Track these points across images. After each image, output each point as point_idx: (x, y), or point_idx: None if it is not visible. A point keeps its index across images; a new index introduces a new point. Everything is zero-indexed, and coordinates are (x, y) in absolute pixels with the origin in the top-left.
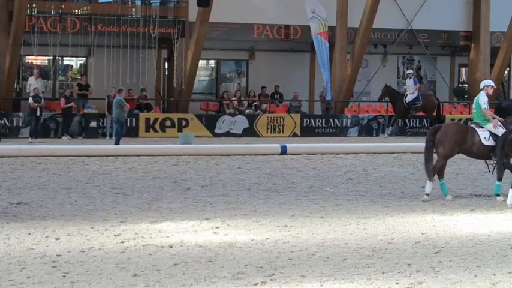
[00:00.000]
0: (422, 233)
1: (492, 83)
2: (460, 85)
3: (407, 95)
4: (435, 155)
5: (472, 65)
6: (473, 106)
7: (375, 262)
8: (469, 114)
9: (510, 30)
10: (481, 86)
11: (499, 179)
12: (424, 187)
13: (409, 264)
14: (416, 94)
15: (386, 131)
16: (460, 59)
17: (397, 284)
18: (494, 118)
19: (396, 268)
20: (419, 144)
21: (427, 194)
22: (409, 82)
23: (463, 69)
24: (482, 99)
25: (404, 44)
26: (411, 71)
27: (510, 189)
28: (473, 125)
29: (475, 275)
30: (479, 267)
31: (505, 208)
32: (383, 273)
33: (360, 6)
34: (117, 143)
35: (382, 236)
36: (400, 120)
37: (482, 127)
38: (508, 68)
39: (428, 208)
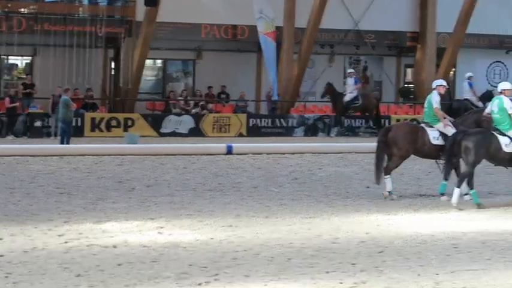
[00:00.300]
0: (366, 233)
1: (444, 83)
2: (406, 85)
3: (346, 94)
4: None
5: (418, 66)
6: (425, 105)
7: (319, 262)
8: (415, 114)
9: (456, 31)
10: (434, 85)
11: (446, 178)
12: (368, 187)
13: (353, 264)
14: (355, 94)
15: (332, 131)
16: (406, 59)
17: (341, 283)
18: (445, 118)
19: (340, 267)
20: (364, 144)
21: (390, 192)
22: (350, 81)
23: (409, 70)
24: (434, 98)
25: (351, 45)
26: (352, 70)
27: (455, 189)
28: (423, 125)
29: (418, 274)
30: (423, 267)
31: (449, 208)
32: (327, 272)
33: (307, 7)
34: (62, 142)
35: (326, 236)
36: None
37: (432, 126)
38: (454, 69)
39: (373, 208)
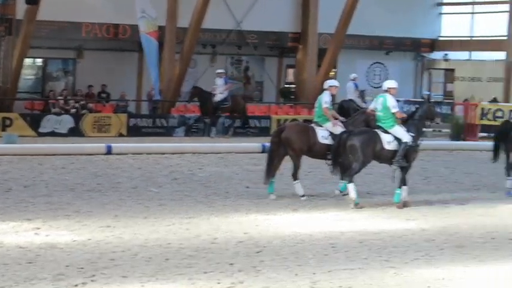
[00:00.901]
0: (245, 233)
1: (336, 83)
2: (287, 86)
3: (215, 94)
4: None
5: (299, 66)
6: (316, 105)
7: (198, 262)
8: (295, 114)
9: (337, 32)
10: (326, 85)
11: (341, 178)
12: (248, 187)
13: (231, 264)
14: (225, 94)
15: (212, 132)
16: (287, 60)
17: (219, 283)
18: (336, 118)
19: (218, 268)
20: (244, 144)
21: (302, 196)
22: (219, 82)
23: (290, 70)
24: (324, 98)
25: (233, 45)
26: (221, 70)
27: (349, 184)
28: (313, 124)
29: (296, 274)
30: (300, 266)
31: (327, 208)
32: (205, 273)
33: (189, 7)
34: None
35: (205, 236)
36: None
37: (322, 126)
38: (335, 69)
39: (252, 208)
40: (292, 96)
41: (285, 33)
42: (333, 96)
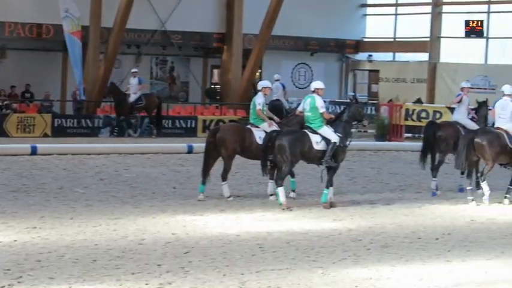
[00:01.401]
0: (172, 233)
1: (269, 84)
2: (212, 86)
3: (130, 94)
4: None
5: (225, 67)
6: (251, 107)
7: (125, 263)
8: (221, 115)
9: (262, 33)
10: (259, 87)
11: (270, 178)
12: (174, 188)
13: (159, 265)
14: (139, 94)
15: (136, 132)
16: (213, 60)
17: (147, 284)
18: (271, 118)
19: (146, 269)
20: (170, 145)
21: (229, 197)
22: (133, 81)
23: (215, 71)
24: (258, 100)
25: (158, 45)
26: (136, 69)
27: (278, 188)
28: (249, 126)
29: (224, 275)
30: (228, 267)
31: (254, 208)
32: (133, 274)
33: (114, 6)
34: None
35: (132, 237)
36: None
37: (258, 127)
38: (260, 70)
39: (179, 209)
40: (218, 97)
41: (209, 34)
42: (266, 97)
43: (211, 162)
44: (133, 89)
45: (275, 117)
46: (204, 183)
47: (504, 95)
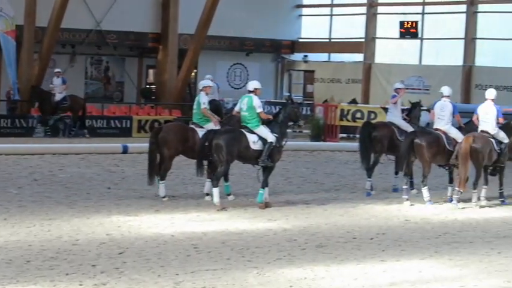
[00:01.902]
0: (107, 234)
1: (211, 83)
2: (148, 86)
3: (55, 94)
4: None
5: (160, 67)
6: (194, 106)
7: (59, 264)
8: (156, 115)
9: (197, 33)
10: (200, 86)
11: (208, 177)
12: (109, 188)
13: (93, 266)
14: (64, 94)
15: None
16: (148, 60)
17: (81, 285)
18: (214, 117)
19: (80, 269)
20: (105, 145)
21: (164, 197)
22: (56, 81)
23: (151, 71)
24: (202, 99)
25: (93, 45)
26: (59, 70)
27: (213, 189)
28: (192, 125)
29: (159, 275)
30: (163, 267)
31: (189, 208)
32: (67, 274)
33: (48, 6)
34: None
35: (66, 238)
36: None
37: (202, 127)
38: (195, 70)
39: (114, 209)
40: (153, 97)
41: (145, 34)
42: (208, 95)
43: (156, 162)
44: (58, 89)
45: (217, 117)
46: (152, 184)
47: (443, 96)
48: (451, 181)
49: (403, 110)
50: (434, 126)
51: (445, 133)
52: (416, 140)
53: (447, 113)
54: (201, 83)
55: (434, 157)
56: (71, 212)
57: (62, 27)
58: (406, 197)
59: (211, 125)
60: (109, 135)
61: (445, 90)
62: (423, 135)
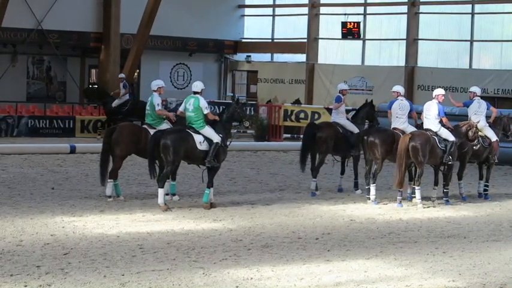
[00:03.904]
0: (51, 235)
1: (163, 83)
2: (90, 86)
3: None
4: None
5: (102, 67)
6: (147, 108)
7: (3, 265)
8: (100, 115)
9: (140, 33)
10: (154, 87)
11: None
12: (53, 188)
13: (38, 266)
14: (126, 98)
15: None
16: (90, 60)
17: (26, 286)
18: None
19: (25, 270)
20: (51, 145)
21: (109, 196)
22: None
23: (93, 71)
24: (156, 100)
25: (35, 44)
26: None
27: (159, 189)
28: (145, 126)
29: (104, 276)
30: (109, 268)
31: (134, 209)
32: (11, 275)
33: None
34: None
35: (10, 238)
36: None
37: (155, 128)
38: (138, 70)
39: (58, 210)
40: (96, 97)
41: (87, 33)
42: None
43: (109, 162)
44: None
45: (172, 115)
46: (105, 185)
47: (399, 95)
48: (436, 183)
49: (347, 111)
50: (392, 126)
51: (403, 132)
52: (370, 138)
53: (405, 112)
54: (154, 84)
55: (388, 155)
56: (14, 213)
57: (3, 26)
58: (369, 196)
59: (165, 126)
60: (52, 135)
61: (401, 89)
62: (377, 133)
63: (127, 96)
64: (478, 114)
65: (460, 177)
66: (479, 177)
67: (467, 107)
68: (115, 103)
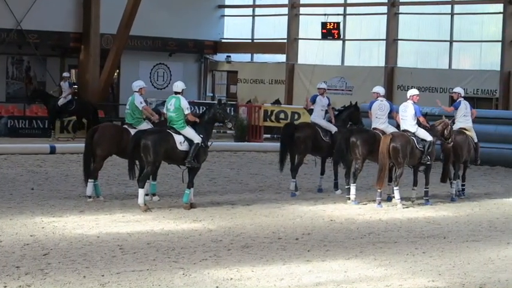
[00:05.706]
0: (31, 235)
1: (144, 84)
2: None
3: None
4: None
5: (82, 67)
6: (128, 107)
7: None
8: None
9: (119, 33)
10: (135, 88)
11: (153, 179)
12: (32, 189)
13: (17, 267)
14: (69, 98)
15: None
16: (70, 60)
17: (5, 287)
18: (154, 115)
19: (4, 271)
20: (32, 145)
21: (89, 197)
22: (64, 85)
23: (73, 71)
24: (138, 99)
25: (14, 44)
26: (67, 74)
27: (139, 190)
28: (126, 126)
29: (84, 276)
30: (88, 268)
31: (114, 209)
32: None
33: None
34: None
35: None
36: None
37: (135, 128)
38: (118, 70)
39: (37, 210)
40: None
41: (66, 33)
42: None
43: (91, 162)
44: (64, 93)
45: (155, 115)
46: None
47: (379, 96)
48: (415, 183)
49: (326, 111)
50: (373, 126)
51: (383, 132)
52: (352, 139)
53: (386, 113)
54: (136, 85)
55: (369, 155)
56: None
57: None
58: (348, 196)
59: (145, 126)
60: (31, 135)
61: (381, 90)
62: (359, 133)
63: (70, 96)
64: (467, 115)
65: (454, 177)
66: (455, 177)
67: (457, 109)
68: (60, 101)
